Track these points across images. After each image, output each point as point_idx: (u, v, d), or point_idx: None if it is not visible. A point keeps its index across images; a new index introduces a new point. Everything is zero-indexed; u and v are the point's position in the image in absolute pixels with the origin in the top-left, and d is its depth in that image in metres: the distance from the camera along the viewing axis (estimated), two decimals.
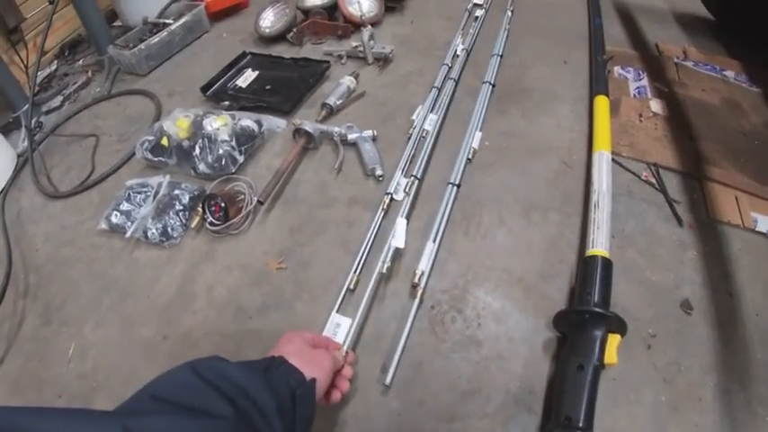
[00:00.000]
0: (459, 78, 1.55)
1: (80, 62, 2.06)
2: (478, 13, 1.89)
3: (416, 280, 0.98)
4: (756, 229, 1.09)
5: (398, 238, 1.02)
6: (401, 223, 1.05)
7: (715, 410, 0.81)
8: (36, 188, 1.44)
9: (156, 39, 1.80)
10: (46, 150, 1.60)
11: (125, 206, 1.24)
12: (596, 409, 0.77)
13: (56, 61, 2.11)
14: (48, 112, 1.82)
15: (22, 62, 1.89)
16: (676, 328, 0.92)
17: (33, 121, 1.69)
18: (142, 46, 1.77)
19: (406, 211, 1.11)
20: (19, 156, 1.60)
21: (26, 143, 1.59)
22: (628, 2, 2.07)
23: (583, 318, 0.86)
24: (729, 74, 1.59)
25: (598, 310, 0.85)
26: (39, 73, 1.89)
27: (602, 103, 1.38)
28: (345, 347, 0.87)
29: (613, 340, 0.83)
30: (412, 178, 1.18)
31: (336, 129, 1.30)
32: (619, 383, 0.85)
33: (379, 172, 1.21)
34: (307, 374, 0.64)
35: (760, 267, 1.02)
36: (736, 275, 1.01)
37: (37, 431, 0.38)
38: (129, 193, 1.26)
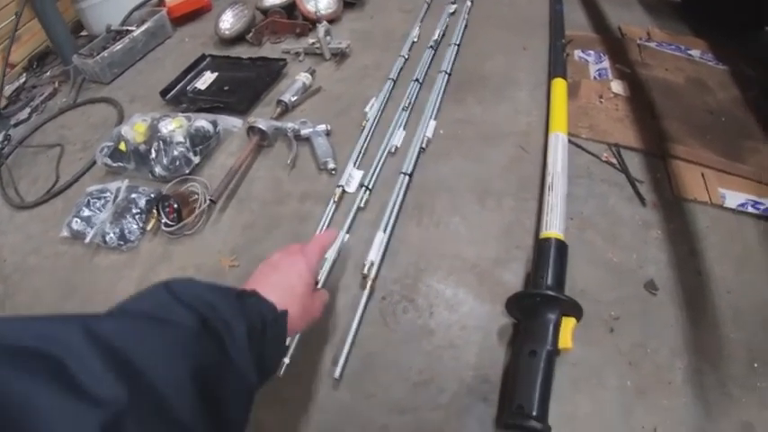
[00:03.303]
0: (425, 75, 1.54)
1: (47, 74, 2.07)
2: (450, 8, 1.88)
3: (366, 271, 0.98)
4: (725, 205, 1.06)
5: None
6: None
7: (686, 393, 0.79)
8: (3, 200, 1.45)
9: (118, 46, 1.81)
10: (14, 163, 1.61)
11: (85, 212, 1.25)
12: (556, 395, 0.76)
13: (24, 74, 2.12)
14: (16, 125, 1.83)
15: None
16: (641, 310, 0.90)
17: (2, 135, 1.71)
18: (105, 54, 1.78)
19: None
20: None
21: None
22: None
23: (535, 301, 0.84)
24: (695, 53, 1.57)
25: (550, 293, 0.83)
26: (7, 87, 1.91)
27: (559, 85, 1.37)
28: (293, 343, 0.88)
29: (568, 324, 0.80)
30: (365, 190, 1.17)
31: (290, 125, 1.31)
32: (580, 369, 0.83)
33: (331, 165, 1.21)
34: (279, 306, 0.64)
35: (730, 244, 1.00)
36: (705, 253, 0.98)
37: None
38: (88, 200, 1.27)
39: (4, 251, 1.30)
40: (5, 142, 1.72)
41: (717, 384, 0.80)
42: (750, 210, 1.06)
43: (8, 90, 1.96)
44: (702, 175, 1.14)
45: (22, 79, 2.09)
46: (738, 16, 1.68)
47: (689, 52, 1.58)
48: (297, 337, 0.90)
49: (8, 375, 0.32)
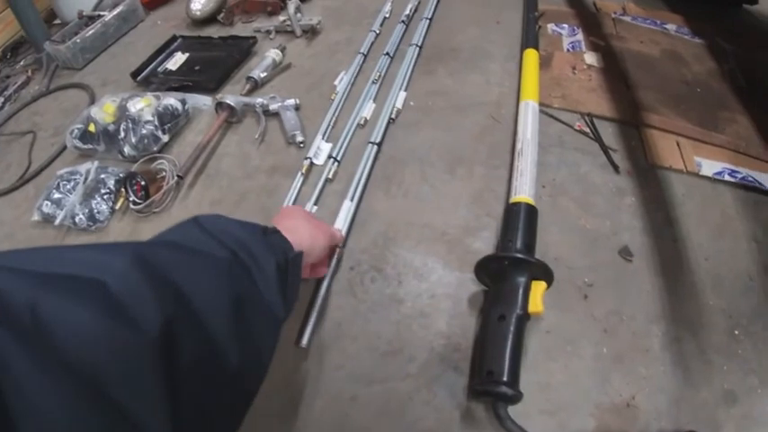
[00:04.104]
0: (396, 49, 1.53)
1: (21, 63, 2.05)
2: None
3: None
4: (701, 173, 1.06)
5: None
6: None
7: (665, 361, 0.78)
8: None
9: (90, 31, 1.80)
10: None
11: (55, 195, 1.24)
12: (530, 364, 0.76)
13: None
14: None
15: None
16: (616, 277, 0.89)
17: None
18: (77, 39, 1.76)
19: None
20: None
21: None
22: None
23: (503, 265, 0.83)
24: (670, 27, 1.57)
25: (519, 255, 0.82)
26: None
27: (531, 55, 1.36)
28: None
29: (538, 287, 0.79)
30: (333, 161, 1.17)
31: (259, 100, 1.30)
32: (553, 336, 0.82)
33: (299, 138, 1.21)
34: (297, 247, 0.66)
35: (706, 211, 0.99)
36: (681, 221, 0.98)
37: (56, 257, 0.39)
38: (59, 183, 1.26)
39: None
40: None
41: (697, 352, 0.79)
42: (727, 178, 1.06)
43: None
44: (677, 143, 1.14)
45: None
46: None
47: (664, 26, 1.58)
48: None
49: (51, 298, 0.34)
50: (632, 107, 1.23)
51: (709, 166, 1.08)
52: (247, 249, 0.54)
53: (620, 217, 1.00)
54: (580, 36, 1.52)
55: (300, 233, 0.71)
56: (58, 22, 2.21)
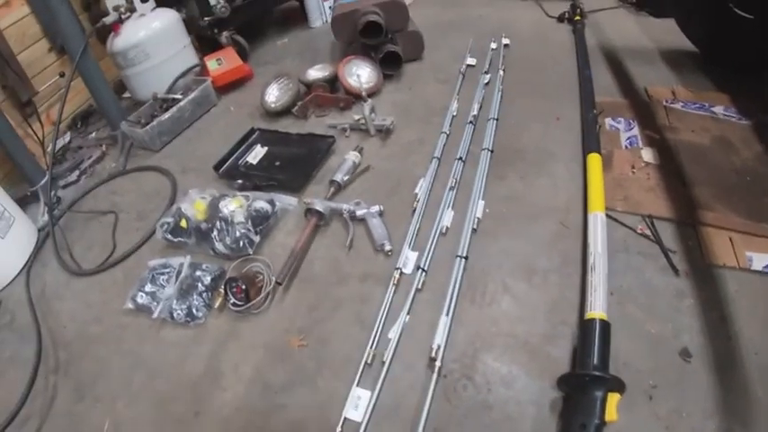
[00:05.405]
0: (467, 152, 1.62)
1: (93, 135, 2.16)
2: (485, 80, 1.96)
3: (434, 354, 1.05)
4: (752, 268, 1.13)
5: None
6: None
7: None
8: (59, 264, 1.52)
9: (167, 115, 1.91)
10: (66, 226, 1.68)
11: (149, 287, 1.32)
12: None
13: (68, 132, 2.21)
14: (65, 186, 1.91)
15: (36, 135, 1.97)
16: (677, 377, 0.97)
17: (53, 196, 1.78)
18: (154, 123, 1.86)
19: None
20: (39, 230, 1.68)
21: (45, 217, 1.68)
22: (615, 46, 2.13)
23: (583, 380, 0.93)
24: (718, 110, 1.65)
25: (597, 373, 0.92)
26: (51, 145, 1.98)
27: (594, 161, 1.43)
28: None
29: (613, 399, 0.89)
30: (421, 272, 1.23)
31: (345, 206, 1.39)
32: None
33: (387, 247, 1.29)
34: None
35: (757, 306, 1.07)
36: (734, 317, 1.06)
37: None
38: (152, 274, 1.34)
39: (63, 317, 1.37)
40: (56, 204, 1.79)
41: None
42: None
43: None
44: (730, 239, 1.21)
45: (67, 138, 2.17)
46: (757, 61, 1.74)
47: (712, 110, 1.66)
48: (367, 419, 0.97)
49: None
50: (688, 205, 1.31)
51: (760, 260, 1.16)
52: None
53: (680, 319, 1.08)
54: (636, 130, 1.61)
55: None
56: (127, 95, 2.34)
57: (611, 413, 0.87)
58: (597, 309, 1.05)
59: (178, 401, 1.10)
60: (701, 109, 1.67)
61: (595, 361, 0.95)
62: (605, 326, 1.01)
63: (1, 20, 1.90)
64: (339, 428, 0.97)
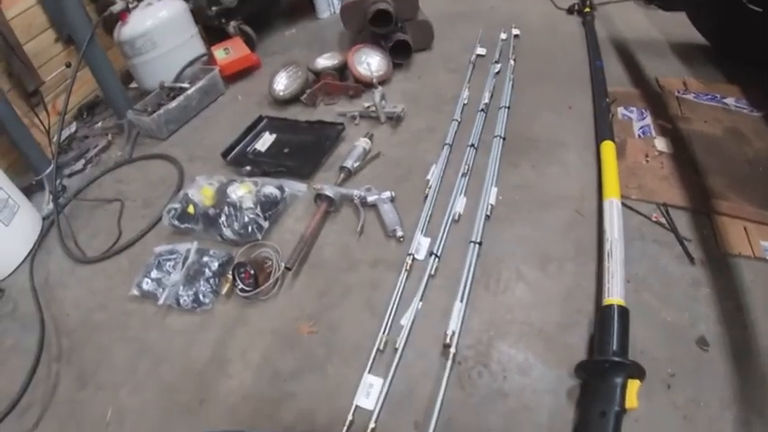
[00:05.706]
0: (479, 139, 1.59)
1: (99, 124, 2.15)
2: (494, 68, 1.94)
3: (448, 341, 1.02)
4: (767, 258, 1.12)
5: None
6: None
7: None
8: (63, 252, 1.50)
9: (174, 103, 1.89)
10: (71, 214, 1.66)
11: (155, 273, 1.30)
12: None
13: (74, 122, 2.20)
14: (70, 175, 1.89)
15: (42, 125, 1.95)
16: (694, 366, 0.95)
17: (58, 185, 1.76)
18: (161, 111, 1.85)
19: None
20: (44, 218, 1.66)
21: (50, 206, 1.66)
22: (626, 38, 2.11)
23: (603, 367, 0.90)
24: (730, 101, 1.63)
25: (617, 359, 0.89)
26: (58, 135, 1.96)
27: (608, 148, 1.42)
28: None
29: (633, 386, 0.87)
30: (434, 258, 1.21)
31: (356, 191, 1.37)
32: (641, 424, 0.88)
33: (399, 233, 1.26)
34: None
35: None
36: (750, 306, 1.04)
37: None
38: (158, 261, 1.32)
39: (67, 305, 1.35)
40: (61, 192, 1.78)
41: None
42: None
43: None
44: (745, 228, 1.19)
45: (73, 128, 2.16)
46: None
47: (724, 101, 1.64)
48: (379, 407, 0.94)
49: None
50: (702, 194, 1.29)
51: None
52: None
53: (696, 308, 1.05)
54: (649, 120, 1.59)
55: None
56: (134, 85, 2.32)
57: (631, 400, 0.85)
58: (615, 295, 1.02)
59: (183, 389, 1.08)
60: (713, 100, 1.65)
61: (615, 347, 0.93)
62: (624, 312, 0.99)
63: (7, 10, 1.88)
64: (350, 416, 0.93)
